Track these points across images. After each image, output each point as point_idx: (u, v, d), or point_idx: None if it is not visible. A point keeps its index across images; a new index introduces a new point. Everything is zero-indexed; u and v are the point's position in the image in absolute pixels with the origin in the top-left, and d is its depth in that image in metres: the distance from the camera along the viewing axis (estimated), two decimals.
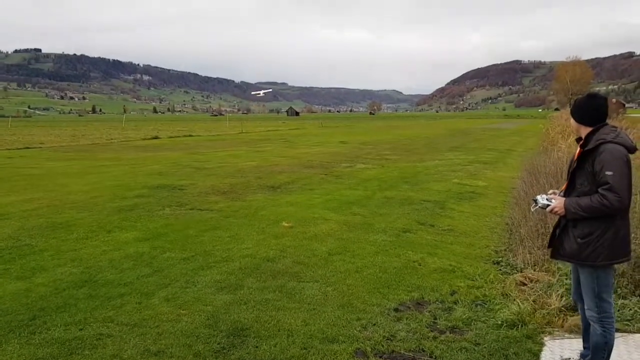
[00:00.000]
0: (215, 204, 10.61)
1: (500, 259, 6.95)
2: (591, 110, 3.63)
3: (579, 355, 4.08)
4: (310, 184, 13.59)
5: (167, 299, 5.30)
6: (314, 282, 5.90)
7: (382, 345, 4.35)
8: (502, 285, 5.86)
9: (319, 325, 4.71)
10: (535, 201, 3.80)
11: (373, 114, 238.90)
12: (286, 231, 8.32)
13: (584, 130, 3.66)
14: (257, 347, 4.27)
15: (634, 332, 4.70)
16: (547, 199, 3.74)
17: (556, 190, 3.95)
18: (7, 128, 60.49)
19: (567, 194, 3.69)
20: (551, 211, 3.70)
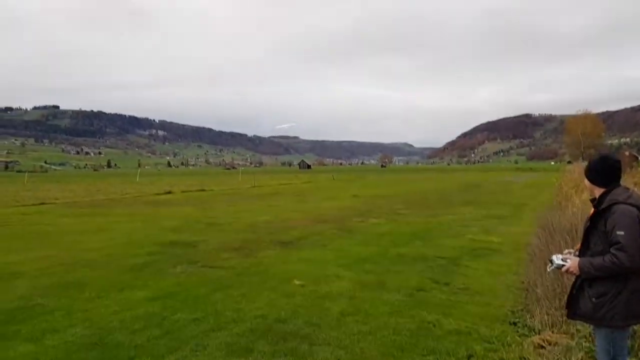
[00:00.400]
0: (227, 261, 10.57)
1: (517, 319, 6.79)
2: (604, 171, 3.72)
3: None
4: (323, 240, 13.53)
5: None
6: (326, 344, 5.78)
7: None
8: (520, 348, 5.70)
9: None
10: (551, 261, 3.81)
11: (384, 167, 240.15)
12: (298, 290, 8.23)
13: (598, 191, 3.73)
14: None
15: None
16: (562, 259, 3.75)
17: (571, 250, 3.98)
18: (24, 184, 61.47)
19: (581, 253, 3.72)
20: (566, 271, 3.71)
